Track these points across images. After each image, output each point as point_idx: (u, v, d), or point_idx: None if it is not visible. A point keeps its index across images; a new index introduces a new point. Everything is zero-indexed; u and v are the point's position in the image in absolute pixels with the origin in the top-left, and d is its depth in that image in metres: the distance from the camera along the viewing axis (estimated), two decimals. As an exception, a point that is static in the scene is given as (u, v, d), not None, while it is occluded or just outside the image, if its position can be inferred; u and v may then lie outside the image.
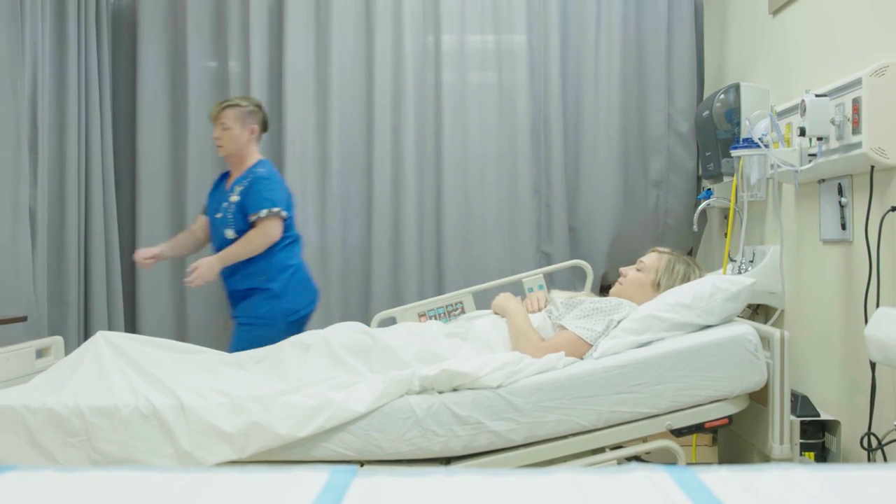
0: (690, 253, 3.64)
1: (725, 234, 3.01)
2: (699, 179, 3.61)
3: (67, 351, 2.50)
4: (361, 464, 2.05)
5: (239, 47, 3.57)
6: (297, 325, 2.78)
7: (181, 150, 3.59)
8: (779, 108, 2.61)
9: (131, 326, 3.53)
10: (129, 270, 3.51)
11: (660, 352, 2.12)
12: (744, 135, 2.85)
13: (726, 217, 3.09)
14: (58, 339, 2.60)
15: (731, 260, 2.86)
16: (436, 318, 2.87)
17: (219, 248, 2.81)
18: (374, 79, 3.56)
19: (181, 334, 3.50)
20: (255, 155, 2.87)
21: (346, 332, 2.40)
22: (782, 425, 2.10)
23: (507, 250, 3.58)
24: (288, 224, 2.80)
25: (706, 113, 3.14)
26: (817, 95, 2.24)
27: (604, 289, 3.45)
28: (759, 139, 2.48)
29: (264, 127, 2.93)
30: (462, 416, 2.04)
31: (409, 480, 0.88)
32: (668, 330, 2.20)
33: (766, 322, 2.79)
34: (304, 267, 2.89)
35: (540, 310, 2.52)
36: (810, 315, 2.56)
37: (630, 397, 2.08)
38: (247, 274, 2.76)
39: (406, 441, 2.04)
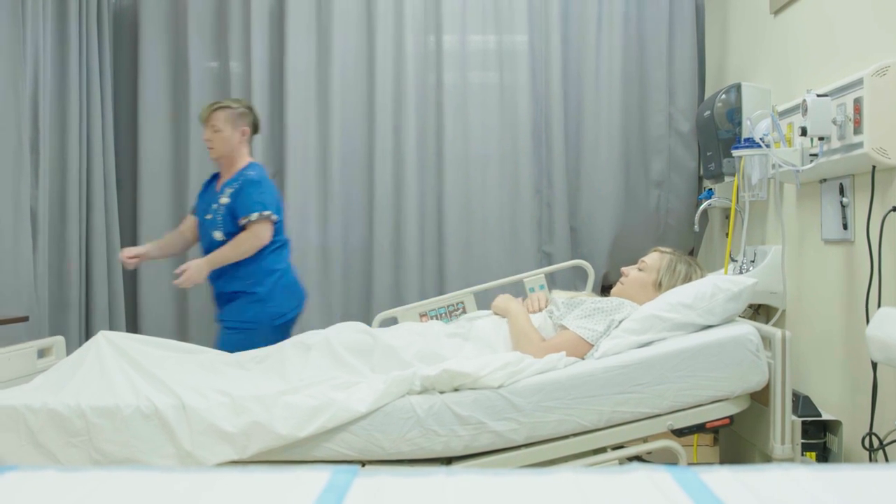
0: (692, 253, 3.64)
1: (727, 234, 3.01)
2: (700, 179, 3.60)
3: (69, 351, 2.51)
4: (363, 464, 2.05)
5: (240, 48, 3.57)
6: (283, 328, 2.78)
7: (182, 151, 3.59)
8: (780, 108, 2.61)
9: (132, 326, 3.53)
10: (131, 271, 3.51)
11: (661, 352, 2.12)
12: (745, 135, 2.85)
13: (727, 217, 3.09)
14: (59, 339, 2.60)
15: (733, 260, 2.86)
16: (437, 319, 2.87)
17: (207, 250, 2.80)
18: (375, 79, 3.56)
19: (182, 334, 3.51)
20: (245, 157, 2.86)
21: (347, 332, 2.40)
22: (784, 425, 2.09)
23: (508, 250, 3.58)
24: (277, 228, 2.79)
25: (707, 113, 3.14)
26: (819, 95, 2.24)
27: (605, 289, 3.45)
28: (761, 139, 2.48)
29: (255, 129, 2.92)
30: (463, 416, 2.04)
31: (410, 480, 0.88)
32: (670, 330, 2.20)
33: (767, 322, 2.78)
34: (291, 270, 2.88)
35: (541, 310, 2.52)
36: (812, 315, 2.55)
37: (631, 397, 2.08)
38: (234, 277, 2.75)
39: (407, 441, 2.04)
